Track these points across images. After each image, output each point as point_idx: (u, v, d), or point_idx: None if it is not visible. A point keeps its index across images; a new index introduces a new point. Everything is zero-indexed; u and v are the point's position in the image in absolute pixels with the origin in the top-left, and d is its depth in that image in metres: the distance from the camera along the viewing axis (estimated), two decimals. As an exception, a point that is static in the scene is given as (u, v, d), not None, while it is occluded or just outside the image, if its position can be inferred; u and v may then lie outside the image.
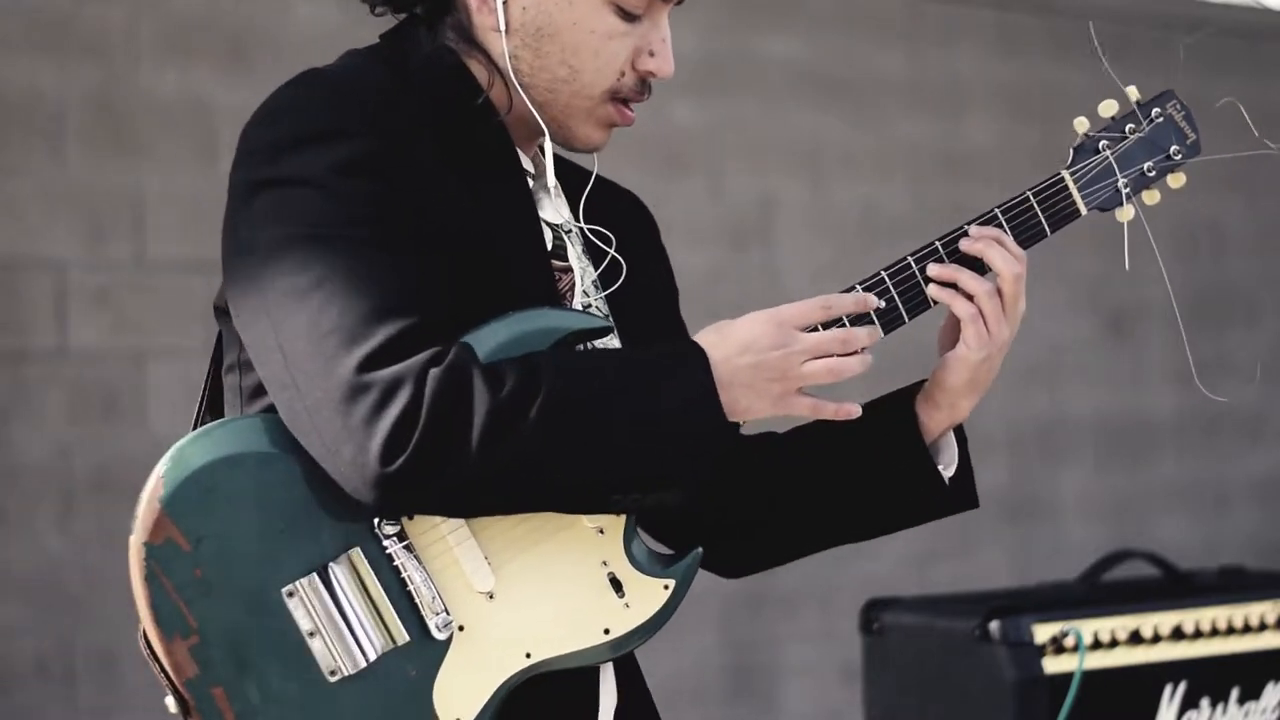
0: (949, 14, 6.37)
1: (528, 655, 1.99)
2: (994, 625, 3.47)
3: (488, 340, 1.95)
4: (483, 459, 1.88)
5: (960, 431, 2.23)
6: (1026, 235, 2.15)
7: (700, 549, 2.05)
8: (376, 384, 1.87)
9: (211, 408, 2.12)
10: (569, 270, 2.13)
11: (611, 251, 2.17)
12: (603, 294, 2.16)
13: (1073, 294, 6.47)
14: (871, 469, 2.20)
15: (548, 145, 2.09)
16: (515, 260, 2.06)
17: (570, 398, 1.92)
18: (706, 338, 2.00)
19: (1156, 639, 3.57)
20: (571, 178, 2.22)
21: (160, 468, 1.93)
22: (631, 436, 1.94)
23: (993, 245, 2.11)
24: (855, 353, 2.03)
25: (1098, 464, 6.70)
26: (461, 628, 1.97)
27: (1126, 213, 2.21)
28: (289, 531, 1.94)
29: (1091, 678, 3.48)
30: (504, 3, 2.06)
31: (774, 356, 1.99)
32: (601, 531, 2.01)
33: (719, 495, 2.23)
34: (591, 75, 2.08)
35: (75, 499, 4.69)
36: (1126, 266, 2.24)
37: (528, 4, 2.06)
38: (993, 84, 6.37)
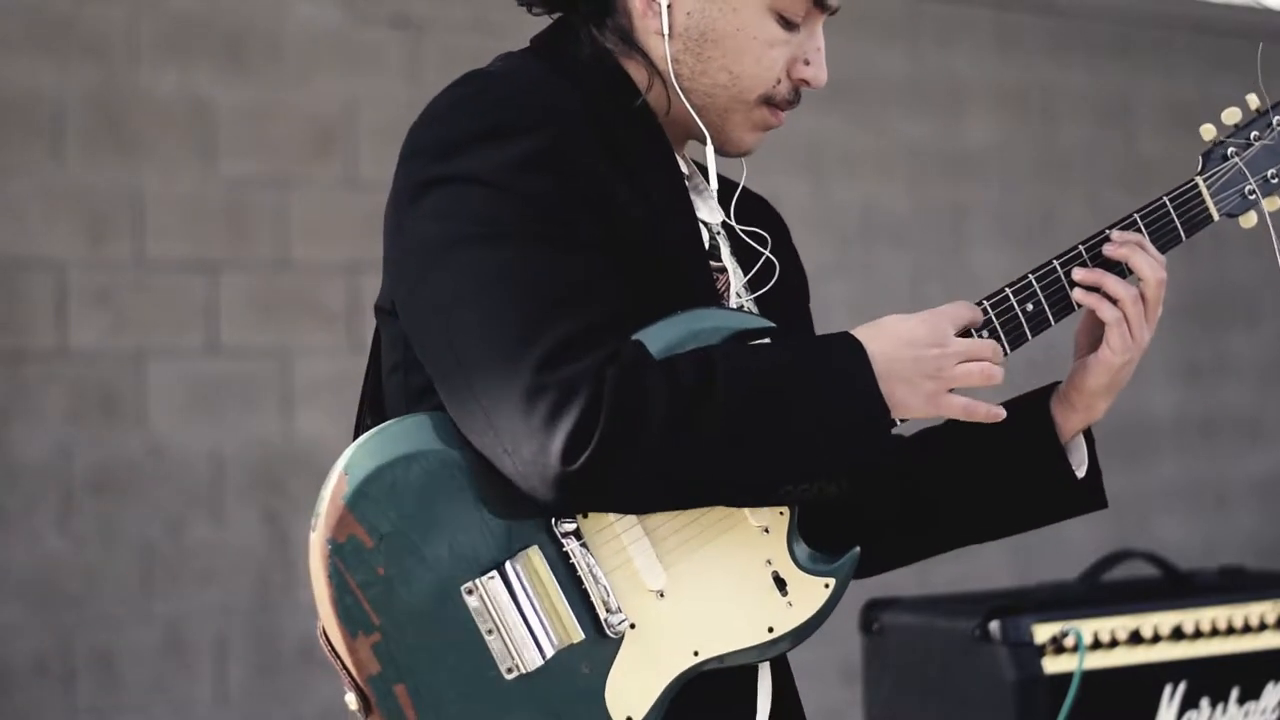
0: (949, 14, 6.37)
1: (695, 653, 2.01)
2: (994, 625, 3.47)
3: (658, 339, 1.98)
4: (662, 455, 1.91)
5: (1089, 433, 2.25)
6: (1163, 240, 2.19)
7: (858, 548, 2.08)
8: (555, 384, 1.89)
9: (373, 409, 2.13)
10: (724, 271, 2.16)
11: (766, 253, 2.19)
12: (753, 295, 2.18)
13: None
14: (1006, 470, 2.22)
15: (709, 148, 2.12)
16: (679, 259, 2.08)
17: (744, 392, 1.94)
18: (863, 332, 2.03)
19: (1156, 639, 3.57)
20: (726, 192, 2.24)
21: (341, 464, 1.95)
22: (801, 427, 1.96)
23: (1136, 250, 2.14)
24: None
25: (1098, 464, 6.70)
26: (634, 625, 1.99)
27: (1250, 219, 2.25)
28: (467, 530, 1.96)
29: (1091, 678, 3.48)
30: (669, 7, 2.08)
31: (931, 354, 2.03)
32: (766, 530, 2.04)
33: (855, 494, 2.25)
34: (750, 81, 2.11)
35: (75, 499, 4.69)
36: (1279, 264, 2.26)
37: (692, 9, 2.09)
38: (993, 84, 6.37)
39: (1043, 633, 3.48)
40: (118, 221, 4.71)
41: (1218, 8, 6.85)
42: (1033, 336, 2.12)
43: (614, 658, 1.98)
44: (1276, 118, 2.27)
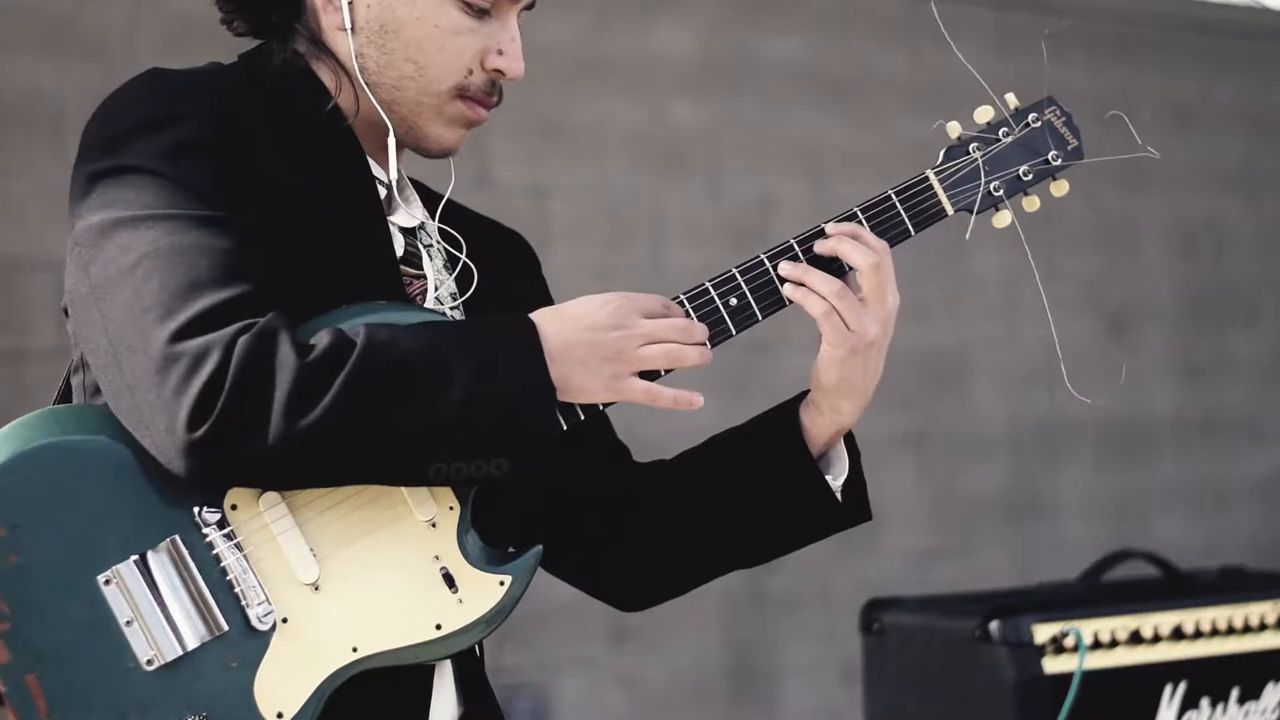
0: (949, 14, 6.37)
1: (354, 649, 1.96)
2: (994, 625, 3.47)
3: (315, 330, 1.93)
4: (288, 422, 1.85)
5: (852, 443, 2.20)
6: (890, 233, 2.14)
7: (540, 547, 2.02)
8: (187, 353, 1.86)
9: None
10: (422, 277, 2.11)
11: (463, 257, 2.15)
12: (457, 303, 2.13)
13: (1073, 294, 6.47)
14: (759, 483, 2.17)
15: (391, 141, 2.08)
16: (359, 259, 2.04)
17: (382, 361, 1.89)
18: (540, 313, 1.99)
19: (1156, 639, 3.57)
20: (460, 218, 2.20)
21: None
22: (450, 402, 1.89)
23: (845, 241, 2.10)
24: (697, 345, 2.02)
25: (1098, 464, 6.70)
26: (285, 620, 1.94)
27: (1003, 218, 2.20)
28: (110, 520, 1.92)
29: (1091, 678, 3.47)
30: (349, 2, 2.06)
31: (610, 336, 1.98)
32: (434, 525, 1.98)
33: (611, 523, 2.22)
34: (437, 71, 2.07)
35: (75, 499, 4.69)
36: (1035, 272, 2.24)
37: (371, 2, 2.06)
38: (993, 84, 6.36)
39: (1043, 633, 3.48)
40: (118, 221, 4.72)
41: (1218, 8, 6.85)
42: (737, 331, 2.06)
43: (264, 652, 1.93)
44: (1031, 115, 2.24)
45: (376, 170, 2.11)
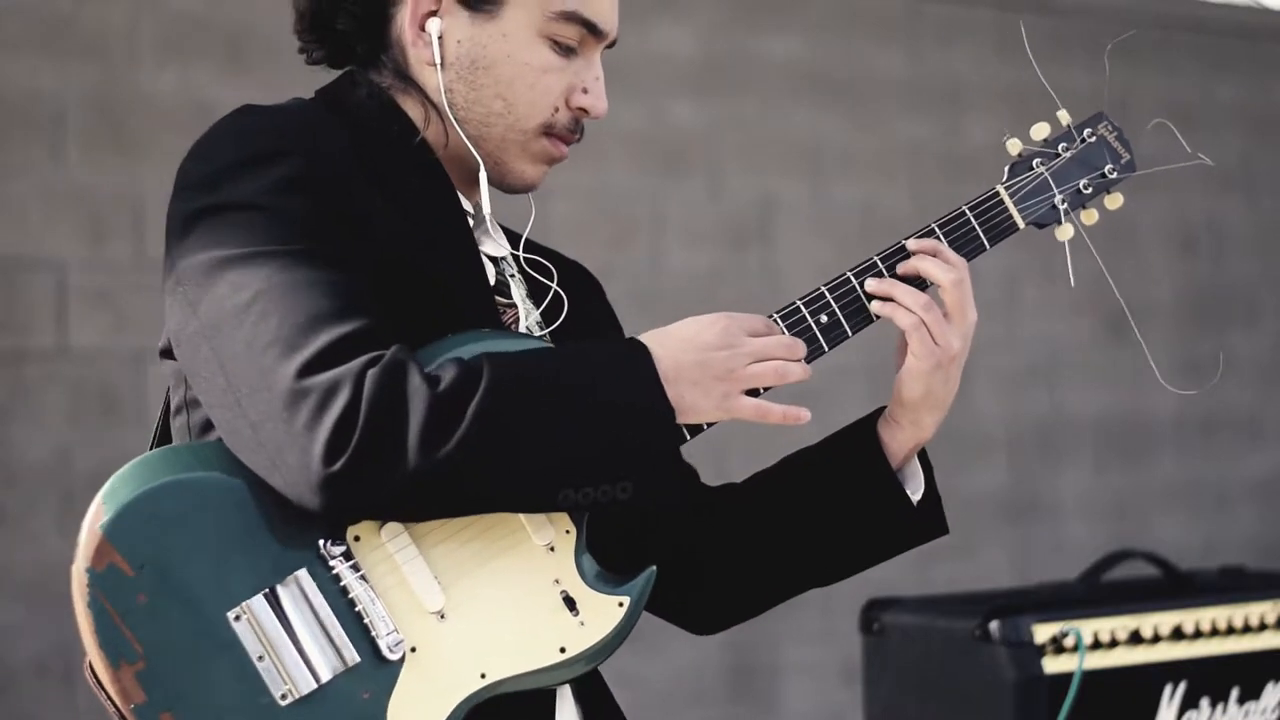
0: (949, 14, 6.37)
1: (483, 675, 1.96)
2: (994, 625, 3.48)
3: (427, 359, 1.94)
4: (424, 453, 1.86)
5: (926, 459, 2.22)
6: (967, 248, 2.17)
7: (654, 567, 2.03)
8: (316, 388, 1.86)
9: None
10: (513, 306, 2.14)
11: (554, 286, 2.17)
12: (546, 332, 2.15)
13: (1073, 294, 6.47)
14: (837, 500, 2.19)
15: (483, 177, 2.10)
16: (455, 289, 2.05)
17: (511, 390, 1.90)
18: (650, 336, 2.00)
19: (1156, 639, 3.57)
20: (534, 249, 2.22)
21: (100, 493, 1.93)
22: (576, 428, 1.92)
23: (926, 259, 2.13)
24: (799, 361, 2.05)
25: (1098, 464, 6.70)
26: (414, 649, 1.95)
27: (1066, 231, 2.25)
28: (235, 556, 1.92)
29: (1091, 678, 3.48)
30: (439, 36, 2.07)
31: (719, 356, 1.99)
32: (552, 549, 1.99)
33: (686, 547, 2.22)
34: (525, 108, 2.09)
35: (75, 499, 4.68)
36: (1072, 283, 2.27)
37: (462, 37, 2.08)
38: (993, 84, 6.37)
39: (1043, 633, 3.48)
40: (118, 221, 4.72)
41: (1218, 8, 6.85)
42: (830, 349, 2.09)
43: (395, 681, 1.94)
44: (1085, 130, 2.28)
45: (465, 204, 2.13)
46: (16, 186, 4.64)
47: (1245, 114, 6.94)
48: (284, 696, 1.92)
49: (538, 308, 2.17)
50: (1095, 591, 3.75)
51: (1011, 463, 6.47)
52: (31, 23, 4.66)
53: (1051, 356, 6.50)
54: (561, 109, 2.10)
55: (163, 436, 2.12)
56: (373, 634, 1.94)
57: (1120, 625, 3.54)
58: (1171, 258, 6.85)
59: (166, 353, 2.06)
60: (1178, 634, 3.59)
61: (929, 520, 2.21)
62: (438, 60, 2.08)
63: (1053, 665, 3.47)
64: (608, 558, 2.03)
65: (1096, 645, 3.50)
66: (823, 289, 2.10)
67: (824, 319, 2.09)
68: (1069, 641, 3.46)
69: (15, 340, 4.64)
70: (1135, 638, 3.55)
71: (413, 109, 2.10)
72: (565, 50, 2.09)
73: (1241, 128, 6.92)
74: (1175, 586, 3.77)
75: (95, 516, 1.91)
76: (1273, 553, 6.83)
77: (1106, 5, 6.53)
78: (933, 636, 3.61)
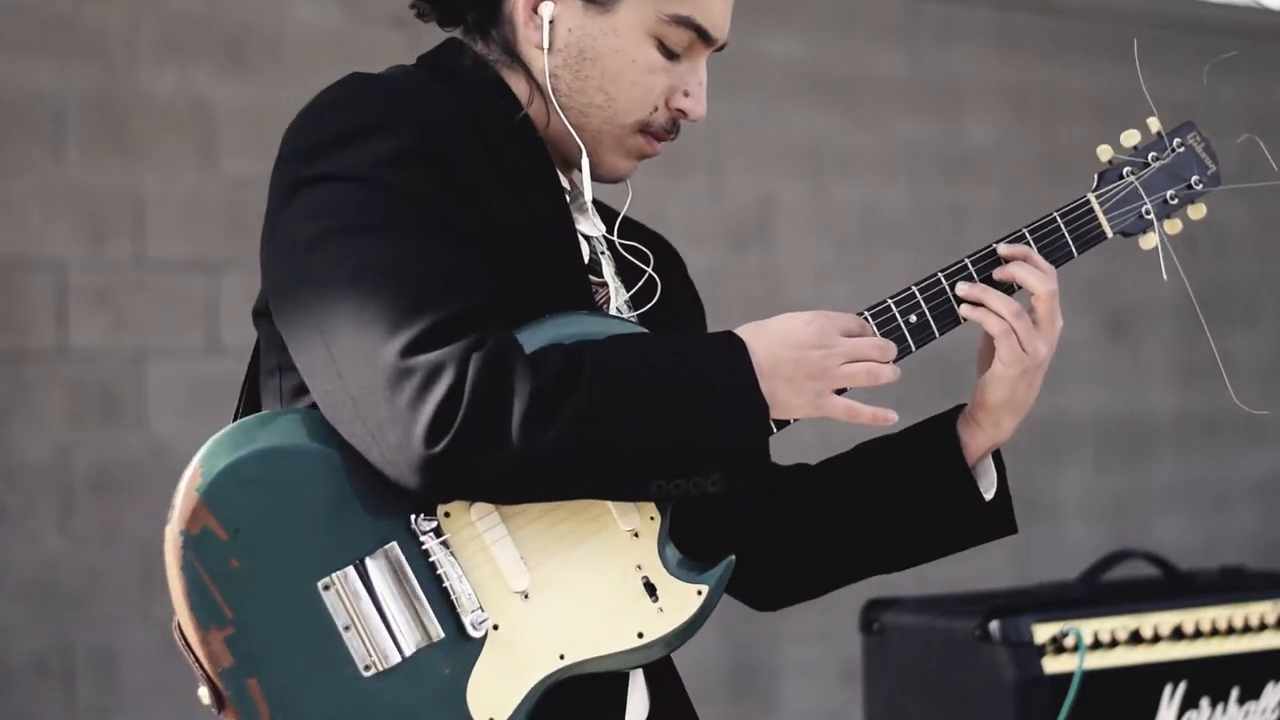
0: (949, 14, 6.37)
1: (561, 657, 1.99)
2: (994, 625, 3.48)
3: (527, 341, 1.96)
4: (526, 440, 1.89)
5: (999, 459, 2.24)
6: (1055, 255, 2.18)
7: (733, 557, 2.05)
8: (420, 368, 1.88)
9: (250, 413, 2.10)
10: (604, 285, 2.15)
11: (649, 270, 2.18)
12: (635, 313, 2.16)
13: (1073, 294, 6.47)
14: (911, 492, 2.21)
15: (584, 162, 2.11)
16: (553, 266, 2.07)
17: (610, 382, 1.92)
18: (747, 331, 2.02)
19: (1156, 639, 3.57)
20: (624, 227, 2.23)
21: (197, 457, 1.94)
22: (673, 419, 1.94)
23: (1022, 265, 2.14)
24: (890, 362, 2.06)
25: (1098, 464, 6.70)
26: (496, 626, 1.97)
27: (1150, 240, 2.27)
28: (326, 525, 1.94)
29: (1091, 678, 3.48)
30: (550, 21, 2.08)
31: (814, 354, 2.01)
32: (636, 535, 2.02)
33: (755, 523, 2.23)
34: (626, 104, 2.10)
35: (75, 499, 4.69)
36: (1190, 291, 2.27)
37: (573, 26, 2.09)
38: (993, 84, 6.37)
39: (1043, 633, 3.48)
40: (118, 221, 4.72)
41: (1218, 8, 6.85)
42: (916, 348, 2.11)
43: (476, 658, 1.96)
44: (1175, 140, 2.28)
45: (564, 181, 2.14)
46: (16, 186, 4.64)
47: (1245, 114, 6.94)
48: (368, 668, 1.94)
49: (627, 287, 2.18)
50: (1095, 591, 3.75)
51: (1011, 463, 6.46)
52: (31, 23, 4.66)
53: (1054, 357, 6.49)
54: (660, 108, 2.12)
55: (249, 396, 2.13)
56: (458, 610, 1.95)
57: (1120, 625, 3.54)
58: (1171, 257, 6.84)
59: (261, 314, 2.07)
60: (1178, 634, 3.59)
61: (998, 518, 2.23)
62: (546, 44, 2.09)
63: (1053, 665, 3.47)
64: (681, 534, 2.05)
65: (1096, 645, 3.50)
66: (913, 289, 2.13)
67: (913, 319, 2.11)
68: (1069, 641, 3.46)
69: (15, 340, 4.64)
70: (1135, 638, 3.55)
71: (517, 85, 2.11)
72: (671, 53, 2.11)
73: (1241, 128, 6.91)
74: (1175, 586, 3.77)
75: (192, 479, 1.93)
76: (1273, 553, 6.83)
77: (1107, 5, 6.53)
78: (933, 636, 3.61)
